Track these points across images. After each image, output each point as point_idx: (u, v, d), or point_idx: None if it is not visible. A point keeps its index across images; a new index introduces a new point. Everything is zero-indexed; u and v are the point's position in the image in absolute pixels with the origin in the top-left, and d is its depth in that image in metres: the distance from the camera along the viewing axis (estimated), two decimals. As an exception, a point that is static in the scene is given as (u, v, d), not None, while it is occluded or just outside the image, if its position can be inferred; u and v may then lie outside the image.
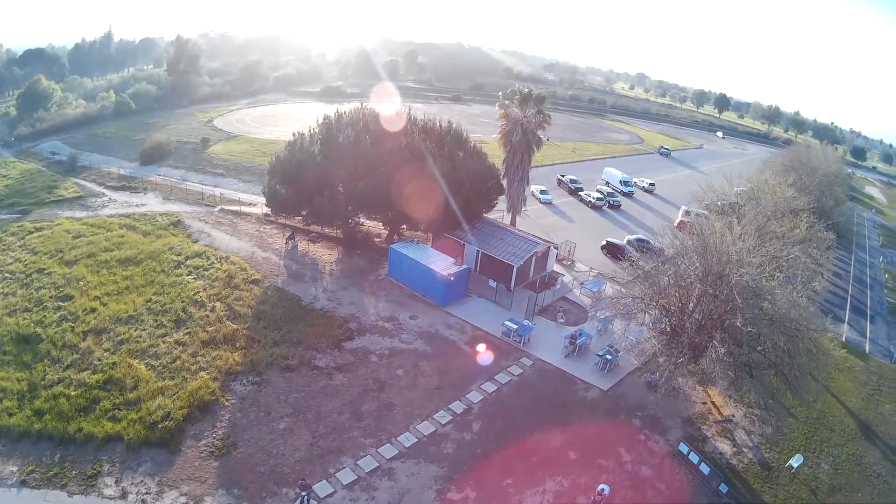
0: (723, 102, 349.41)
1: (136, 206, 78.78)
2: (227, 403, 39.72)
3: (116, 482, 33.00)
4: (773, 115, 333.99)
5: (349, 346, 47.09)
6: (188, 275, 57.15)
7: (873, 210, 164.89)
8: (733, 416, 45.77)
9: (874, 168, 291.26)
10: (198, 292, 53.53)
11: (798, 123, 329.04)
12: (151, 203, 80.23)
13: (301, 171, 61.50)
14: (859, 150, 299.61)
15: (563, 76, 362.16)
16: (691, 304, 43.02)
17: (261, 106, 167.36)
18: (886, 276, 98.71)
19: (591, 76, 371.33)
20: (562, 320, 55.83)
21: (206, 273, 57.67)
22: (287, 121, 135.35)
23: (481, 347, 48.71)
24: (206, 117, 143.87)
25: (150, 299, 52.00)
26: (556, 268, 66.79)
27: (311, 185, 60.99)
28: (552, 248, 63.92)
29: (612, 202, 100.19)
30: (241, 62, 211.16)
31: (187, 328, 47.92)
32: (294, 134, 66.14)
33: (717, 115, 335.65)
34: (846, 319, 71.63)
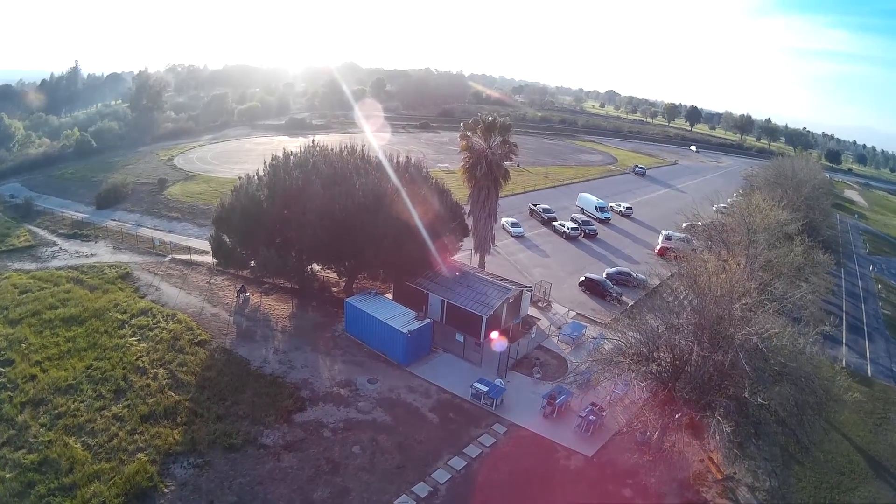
0: (694, 115, 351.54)
1: (86, 256, 75.79)
2: (165, 490, 35.57)
3: None
4: (744, 125, 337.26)
5: (300, 420, 42.32)
6: (132, 336, 53.55)
7: (856, 215, 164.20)
8: (735, 473, 41.52)
9: (850, 170, 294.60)
10: (140, 357, 49.92)
11: (770, 131, 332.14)
12: (101, 253, 76.77)
13: (247, 220, 57.29)
14: (834, 154, 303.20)
15: (534, 98, 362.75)
16: (687, 368, 38.43)
17: (223, 141, 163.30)
18: (879, 286, 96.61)
19: (561, 96, 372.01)
20: (538, 375, 50.98)
21: (151, 333, 53.80)
22: (249, 157, 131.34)
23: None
24: (167, 155, 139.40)
25: (91, 365, 48.82)
26: (531, 311, 62.30)
27: (259, 235, 56.76)
28: (525, 291, 59.37)
29: (587, 231, 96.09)
30: (207, 96, 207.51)
31: (127, 399, 44.29)
32: (240, 178, 62.10)
33: (690, 128, 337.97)
34: (843, 340, 68.73)
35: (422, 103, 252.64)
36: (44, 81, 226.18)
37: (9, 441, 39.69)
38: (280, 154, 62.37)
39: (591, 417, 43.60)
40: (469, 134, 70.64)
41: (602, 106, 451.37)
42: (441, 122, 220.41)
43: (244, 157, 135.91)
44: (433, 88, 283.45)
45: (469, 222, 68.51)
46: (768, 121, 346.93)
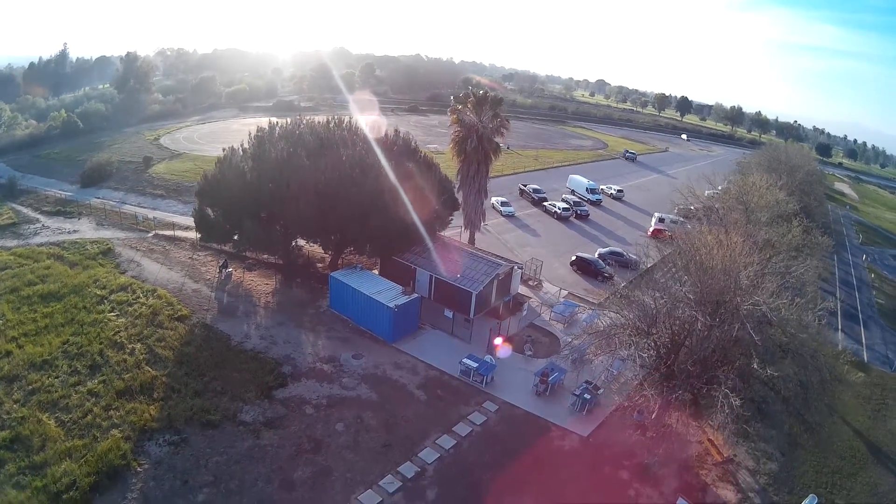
0: (684, 105, 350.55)
1: (68, 232, 73.79)
2: (139, 469, 33.83)
3: None
4: (735, 116, 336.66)
5: (281, 396, 40.46)
6: (110, 311, 51.64)
7: (847, 207, 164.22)
8: (734, 455, 40.27)
9: (840, 164, 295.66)
10: (118, 332, 48.05)
11: (761, 123, 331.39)
12: (84, 230, 74.89)
13: (231, 192, 55.11)
14: (824, 147, 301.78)
15: (523, 85, 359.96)
16: (688, 340, 36.97)
17: (211, 122, 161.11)
18: (872, 275, 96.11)
19: (551, 84, 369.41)
20: (530, 353, 49.15)
21: (130, 309, 51.89)
22: (236, 137, 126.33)
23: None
24: (153, 135, 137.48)
25: (68, 340, 47.04)
26: (522, 290, 60.55)
27: (243, 207, 54.65)
28: (516, 268, 57.64)
29: (579, 212, 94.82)
30: (196, 79, 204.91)
31: (103, 375, 42.39)
32: (224, 149, 59.98)
33: (680, 118, 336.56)
34: (839, 327, 67.83)
35: (411, 88, 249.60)
36: (31, 65, 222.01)
37: None
38: (266, 126, 60.32)
39: (585, 396, 41.85)
40: (459, 107, 68.89)
41: (592, 95, 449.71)
42: (430, 105, 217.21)
43: (231, 137, 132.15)
44: (423, 74, 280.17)
45: (459, 198, 66.50)
46: (758, 113, 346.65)
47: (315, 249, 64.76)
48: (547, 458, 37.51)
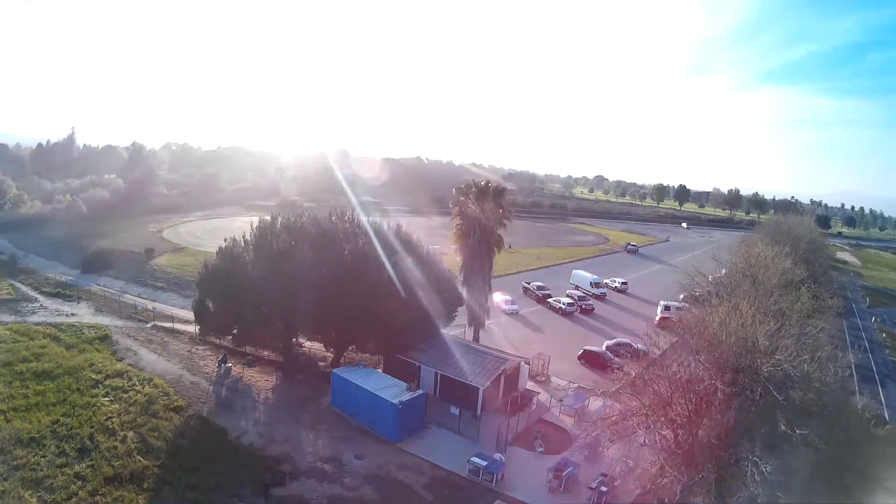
0: (682, 195, 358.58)
1: (66, 315, 73.83)
2: None
3: None
4: (733, 200, 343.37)
5: (279, 494, 38.49)
6: (104, 396, 50.94)
7: (851, 274, 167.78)
8: None
9: (840, 233, 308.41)
10: (110, 417, 47.04)
11: (759, 203, 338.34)
12: (82, 314, 74.86)
13: (232, 283, 55.16)
14: (823, 219, 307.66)
15: (523, 185, 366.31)
16: (708, 414, 35.57)
17: (214, 219, 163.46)
18: (884, 335, 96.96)
19: (550, 184, 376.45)
20: (541, 449, 47.00)
21: (125, 395, 50.95)
22: (239, 233, 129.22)
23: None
24: (157, 227, 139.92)
25: (58, 420, 46.16)
26: (530, 385, 59.02)
27: (244, 300, 54.15)
28: (523, 363, 56.74)
29: (584, 306, 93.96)
30: (200, 174, 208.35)
31: (92, 459, 41.21)
32: (226, 240, 60.41)
33: (679, 207, 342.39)
34: (856, 390, 66.55)
35: (413, 190, 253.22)
36: (39, 145, 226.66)
37: None
38: (268, 218, 60.78)
39: (602, 489, 39.56)
40: (462, 199, 68.54)
41: (591, 191, 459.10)
42: (433, 207, 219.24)
43: (235, 233, 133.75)
44: (424, 176, 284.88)
45: (462, 293, 65.72)
46: (756, 194, 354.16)
47: (316, 347, 63.76)
48: None
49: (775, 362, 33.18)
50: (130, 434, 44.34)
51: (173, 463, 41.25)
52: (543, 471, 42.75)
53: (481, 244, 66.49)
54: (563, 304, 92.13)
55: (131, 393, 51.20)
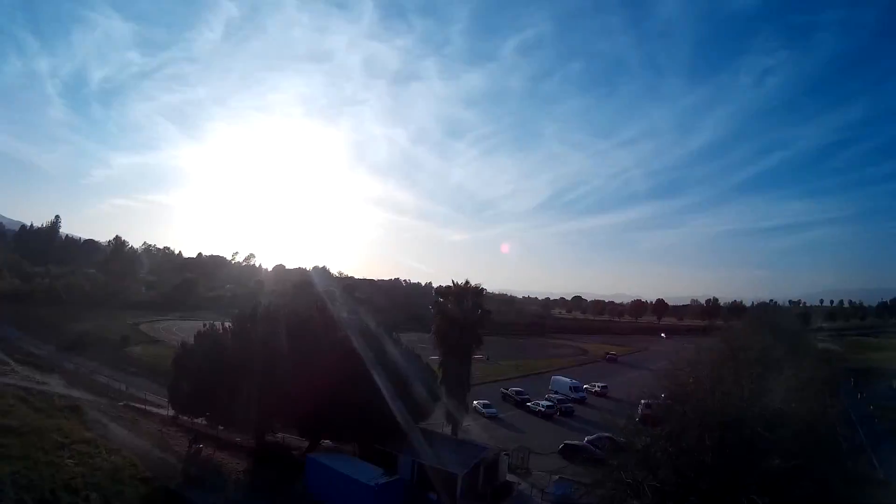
0: (660, 308, 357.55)
1: (37, 382, 73.03)
2: None
3: None
4: (711, 310, 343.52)
5: None
6: (69, 458, 48.95)
7: (832, 361, 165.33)
8: None
9: (821, 328, 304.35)
10: (74, 478, 45.19)
11: (737, 310, 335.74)
12: (54, 385, 74.23)
13: (209, 365, 56.05)
14: (803, 316, 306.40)
15: (501, 307, 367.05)
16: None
17: (191, 320, 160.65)
18: (871, 407, 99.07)
19: (527, 306, 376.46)
20: None
21: (91, 461, 49.30)
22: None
23: None
24: (134, 321, 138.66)
25: (19, 471, 44.31)
26: (510, 478, 58.41)
27: (220, 382, 54.73)
28: (503, 454, 57.16)
29: (563, 409, 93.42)
30: (179, 278, 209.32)
31: None
32: (205, 324, 61.90)
33: (658, 321, 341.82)
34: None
35: (391, 309, 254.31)
36: (23, 227, 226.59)
37: None
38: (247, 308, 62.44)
39: None
40: (442, 300, 70.89)
41: (570, 312, 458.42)
42: (409, 324, 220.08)
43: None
44: (401, 296, 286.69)
45: (441, 392, 66.14)
46: (734, 302, 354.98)
47: (290, 437, 63.55)
48: None
49: (763, 405, 34.21)
50: (94, 495, 42.95)
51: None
52: None
53: (460, 342, 67.75)
54: (543, 406, 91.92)
55: (98, 459, 49.66)
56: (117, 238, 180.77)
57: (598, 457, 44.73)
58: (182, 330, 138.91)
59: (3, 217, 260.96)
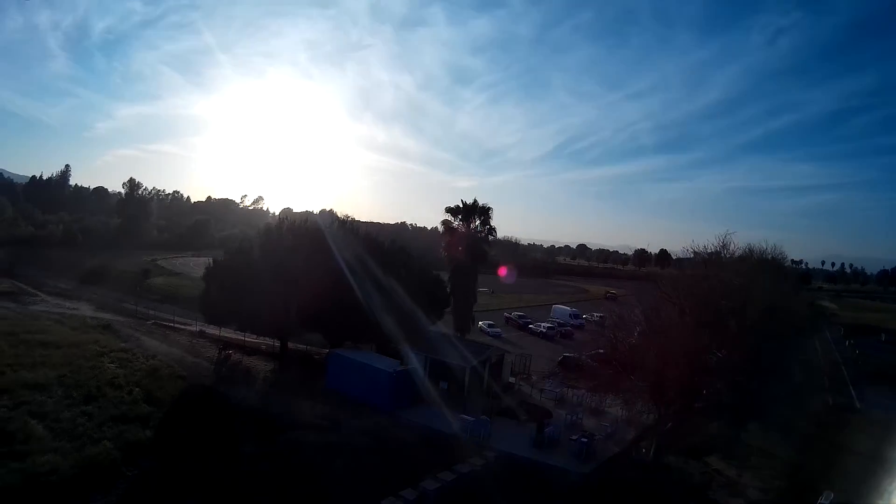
0: (664, 259, 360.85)
1: (68, 308, 76.32)
2: (128, 474, 33.61)
3: None
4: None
5: (280, 438, 40.44)
6: (110, 363, 52.09)
7: (828, 313, 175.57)
8: (740, 475, 42.83)
9: (820, 288, 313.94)
10: (116, 377, 48.20)
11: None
12: (84, 310, 77.88)
13: (238, 277, 58.86)
14: (804, 276, 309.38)
15: (506, 252, 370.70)
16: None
17: (205, 257, 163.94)
18: (857, 352, 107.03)
19: (532, 253, 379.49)
20: (524, 417, 50.07)
21: (130, 365, 52.44)
22: None
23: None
24: (151, 258, 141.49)
25: (65, 374, 46.86)
26: (512, 381, 62.65)
27: (248, 290, 57.45)
28: (506, 355, 61.99)
29: (563, 332, 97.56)
30: (191, 220, 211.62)
31: (98, 403, 42.15)
32: (233, 240, 64.31)
33: (660, 271, 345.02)
34: (826, 388, 75.65)
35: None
36: (33, 178, 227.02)
37: None
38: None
39: (583, 440, 42.86)
40: (451, 217, 74.50)
41: (574, 259, 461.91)
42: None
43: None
44: (408, 239, 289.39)
45: (450, 300, 71.07)
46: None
47: (311, 346, 67.40)
48: (550, 489, 38.18)
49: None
50: (136, 390, 45.87)
51: (178, 412, 43.17)
52: (527, 433, 45.59)
53: (467, 257, 72.24)
54: (544, 327, 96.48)
55: (136, 363, 52.94)
56: (131, 180, 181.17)
57: (592, 367, 48.41)
58: (198, 265, 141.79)
59: (10, 173, 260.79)
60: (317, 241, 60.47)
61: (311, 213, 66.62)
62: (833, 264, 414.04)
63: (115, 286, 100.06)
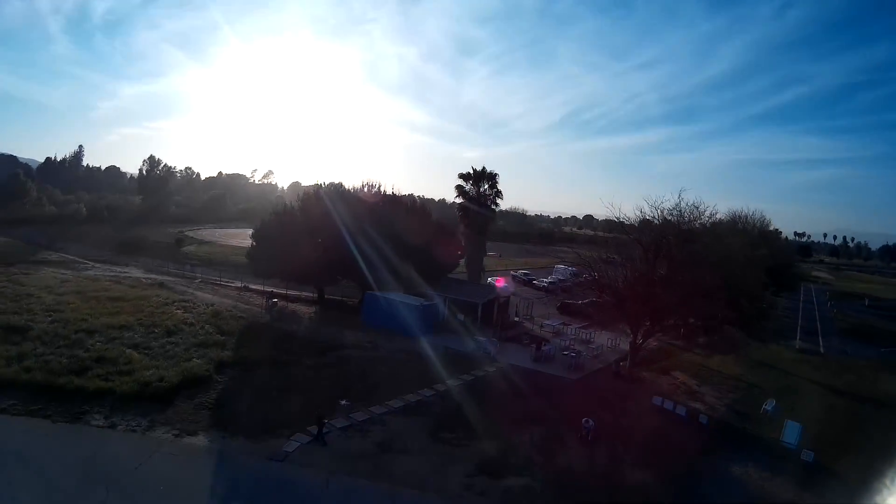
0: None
1: (120, 272, 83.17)
2: (218, 380, 42.52)
3: (106, 418, 34.17)
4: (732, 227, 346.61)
5: (332, 354, 51.04)
6: (176, 309, 60.61)
7: (821, 282, 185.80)
8: (700, 387, 52.45)
9: (821, 261, 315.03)
10: (186, 319, 56.95)
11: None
12: (134, 273, 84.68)
13: (283, 236, 68.78)
14: (805, 248, 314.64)
15: (512, 221, 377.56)
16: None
17: (228, 228, 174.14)
18: (834, 311, 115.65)
19: (539, 223, 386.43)
20: (527, 340, 60.94)
21: (194, 310, 61.42)
22: None
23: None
24: (178, 230, 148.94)
25: (141, 318, 54.78)
26: (517, 319, 73.56)
27: (291, 248, 67.09)
28: (511, 296, 73.41)
29: (563, 286, 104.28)
30: (207, 195, 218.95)
31: (179, 337, 50.90)
32: (276, 206, 75.20)
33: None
34: (797, 336, 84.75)
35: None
36: (48, 160, 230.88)
37: (65, 346, 44.71)
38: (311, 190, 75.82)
39: (572, 355, 54.50)
40: (462, 183, 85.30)
41: (580, 228, 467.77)
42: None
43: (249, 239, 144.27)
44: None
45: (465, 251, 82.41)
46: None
47: (345, 293, 77.47)
48: (546, 387, 48.17)
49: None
50: (207, 326, 55.11)
51: (246, 339, 52.76)
52: (529, 352, 56.80)
53: (478, 217, 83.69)
54: (546, 282, 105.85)
55: (198, 309, 61.79)
56: (151, 157, 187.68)
57: (586, 311, 59.38)
58: (225, 235, 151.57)
59: (21, 157, 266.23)
60: (349, 203, 70.36)
61: (320, 185, 76.08)
62: (835, 237, 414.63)
63: (153, 254, 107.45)
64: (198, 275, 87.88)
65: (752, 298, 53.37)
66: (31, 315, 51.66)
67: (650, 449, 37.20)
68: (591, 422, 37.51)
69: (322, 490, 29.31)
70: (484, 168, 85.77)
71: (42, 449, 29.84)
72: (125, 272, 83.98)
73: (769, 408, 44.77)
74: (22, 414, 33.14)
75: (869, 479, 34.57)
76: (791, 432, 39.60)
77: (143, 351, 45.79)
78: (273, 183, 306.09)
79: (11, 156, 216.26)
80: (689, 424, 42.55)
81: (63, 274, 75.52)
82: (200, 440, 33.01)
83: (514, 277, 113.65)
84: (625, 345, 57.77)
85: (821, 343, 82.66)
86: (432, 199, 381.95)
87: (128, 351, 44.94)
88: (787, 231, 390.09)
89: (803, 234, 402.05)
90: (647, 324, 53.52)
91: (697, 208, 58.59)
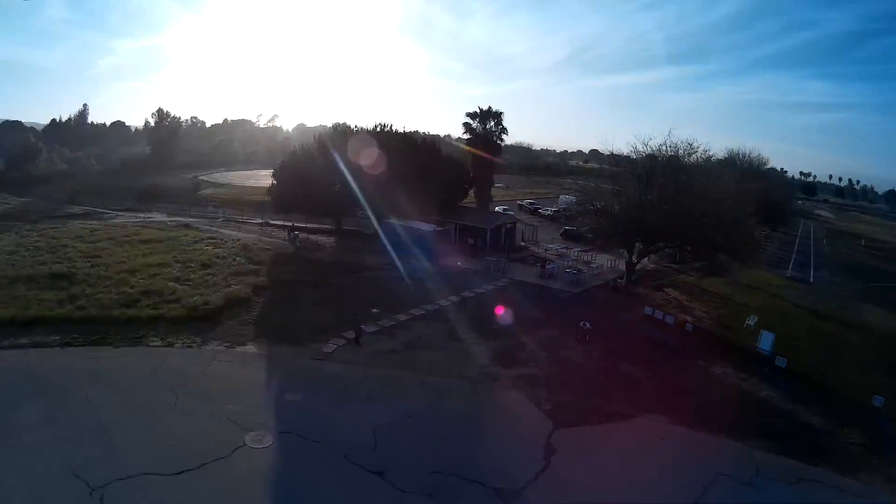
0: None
1: (144, 217, 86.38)
2: (257, 301, 47.02)
3: (162, 339, 37.59)
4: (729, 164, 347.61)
5: (355, 275, 56.07)
6: (206, 246, 64.11)
7: (820, 220, 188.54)
8: (691, 302, 57.79)
9: (825, 200, 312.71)
10: (218, 253, 60.75)
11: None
12: (158, 217, 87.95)
13: (302, 173, 72.27)
14: (809, 187, 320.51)
15: (518, 155, 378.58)
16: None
17: (240, 171, 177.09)
18: (829, 247, 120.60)
19: (545, 158, 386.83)
20: (532, 262, 66.40)
21: (223, 245, 65.13)
22: (269, 179, 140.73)
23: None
24: (191, 175, 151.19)
25: (176, 256, 58.15)
26: (523, 244, 78.78)
27: (311, 185, 70.84)
28: (518, 223, 78.65)
29: (567, 215, 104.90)
30: (215, 141, 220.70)
31: (214, 269, 54.64)
32: (294, 146, 78.15)
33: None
34: (790, 267, 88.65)
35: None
36: (53, 121, 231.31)
37: (110, 286, 46.67)
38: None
39: (574, 272, 60.22)
40: (469, 121, 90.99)
41: (586, 163, 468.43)
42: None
43: (262, 179, 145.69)
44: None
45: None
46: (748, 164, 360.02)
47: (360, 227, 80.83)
48: (550, 299, 53.88)
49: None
50: (238, 258, 59.31)
51: (277, 267, 57.28)
52: (535, 271, 62.11)
53: (485, 152, 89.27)
54: (550, 211, 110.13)
55: (227, 244, 65.43)
56: (160, 110, 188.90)
57: (587, 236, 65.76)
58: (237, 176, 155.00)
59: (25, 122, 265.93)
60: (364, 141, 73.56)
61: (325, 126, 79.92)
62: (840, 179, 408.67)
63: (172, 199, 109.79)
64: (220, 215, 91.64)
65: (739, 226, 56.82)
66: (71, 263, 53.40)
67: (638, 348, 43.07)
68: (587, 324, 43.02)
69: (362, 378, 34.56)
70: (490, 107, 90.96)
71: (110, 368, 33.79)
72: (150, 217, 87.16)
73: (751, 322, 48.31)
74: (84, 345, 36.01)
75: (832, 380, 40.39)
76: (766, 340, 44.41)
77: (184, 283, 49.07)
78: (279, 126, 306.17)
79: (17, 121, 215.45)
80: (676, 331, 47.83)
81: (91, 224, 77.37)
82: (250, 348, 37.92)
83: (520, 207, 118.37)
84: (623, 266, 62.46)
85: (811, 274, 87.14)
86: (438, 136, 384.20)
87: (170, 283, 48.17)
88: (794, 171, 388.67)
89: (809, 175, 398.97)
90: (639, 245, 58.94)
91: (691, 145, 62.62)
